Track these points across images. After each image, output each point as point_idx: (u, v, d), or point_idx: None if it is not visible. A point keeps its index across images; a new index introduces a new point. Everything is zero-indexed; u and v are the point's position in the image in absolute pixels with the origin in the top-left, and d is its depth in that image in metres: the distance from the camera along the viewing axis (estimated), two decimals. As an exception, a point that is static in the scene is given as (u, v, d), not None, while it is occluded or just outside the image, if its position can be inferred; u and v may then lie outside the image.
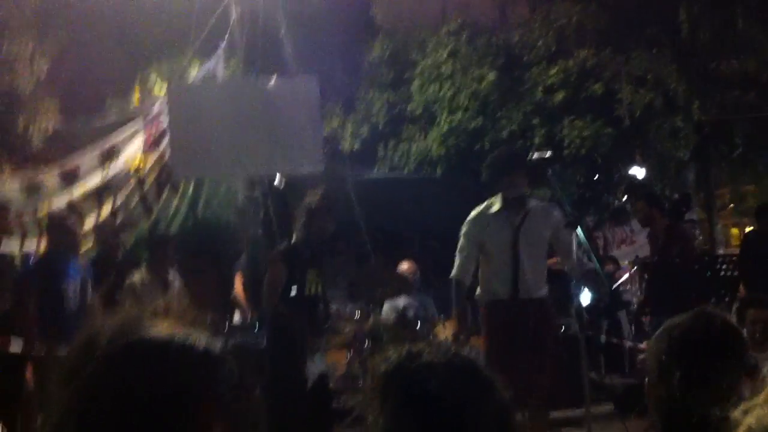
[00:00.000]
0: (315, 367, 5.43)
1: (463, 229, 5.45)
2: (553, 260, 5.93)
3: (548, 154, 5.11)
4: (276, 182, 5.85)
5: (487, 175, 5.52)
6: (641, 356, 8.64)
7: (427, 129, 11.33)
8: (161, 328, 1.73)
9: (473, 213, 5.45)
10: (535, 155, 5.03)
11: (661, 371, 1.87)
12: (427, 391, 1.61)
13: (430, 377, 1.62)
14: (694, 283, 7.26)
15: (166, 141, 8.95)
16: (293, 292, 5.33)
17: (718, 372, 1.86)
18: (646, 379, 1.97)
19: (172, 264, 7.63)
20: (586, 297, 8.22)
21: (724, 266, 7.62)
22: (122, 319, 1.75)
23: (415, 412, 1.60)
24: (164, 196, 9.34)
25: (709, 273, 7.27)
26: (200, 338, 1.21)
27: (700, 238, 11.73)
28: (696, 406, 1.80)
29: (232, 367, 1.19)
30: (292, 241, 5.66)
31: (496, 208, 5.33)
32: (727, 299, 6.92)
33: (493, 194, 5.44)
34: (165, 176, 9.16)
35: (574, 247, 5.21)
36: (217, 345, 1.20)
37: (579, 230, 4.65)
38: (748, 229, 14.40)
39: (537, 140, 10.49)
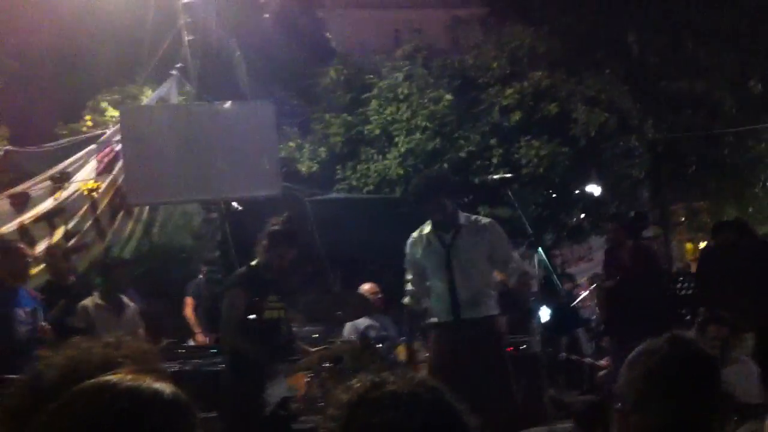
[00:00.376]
0: (276, 391, 5.32)
1: (406, 254, 5.42)
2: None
3: (507, 174, 5.08)
4: (234, 204, 5.78)
5: (412, 203, 5.45)
6: (601, 373, 8.68)
7: (385, 150, 11.32)
8: (111, 371, 1.65)
9: (410, 237, 5.42)
10: (494, 176, 5.00)
11: (638, 400, 1.85)
12: (390, 422, 1.56)
13: (393, 407, 1.56)
14: (656, 303, 7.31)
15: (119, 165, 8.83)
16: (252, 317, 5.21)
17: (701, 404, 1.85)
18: (618, 405, 1.94)
19: (126, 288, 7.50)
20: (545, 314, 8.26)
21: (684, 284, 7.68)
22: (67, 358, 1.67)
23: None
24: (118, 219, 9.21)
25: (669, 292, 7.32)
26: (162, 384, 1.14)
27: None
28: None
29: (195, 411, 1.13)
30: (252, 264, 5.56)
31: (427, 229, 5.30)
32: (688, 317, 6.97)
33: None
34: (119, 200, 9.02)
35: (514, 256, 5.18)
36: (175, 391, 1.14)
37: (540, 250, 4.63)
38: (702, 245, 14.65)
39: (495, 160, 10.55)
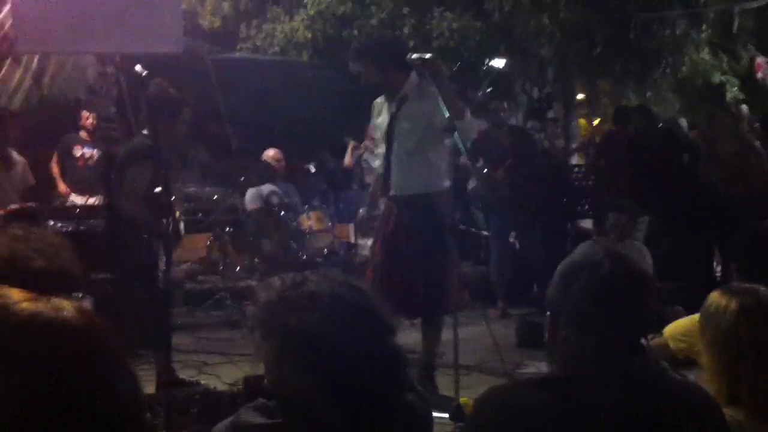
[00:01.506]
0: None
1: None
2: None
3: (428, 55, 4.88)
4: (137, 68, 5.42)
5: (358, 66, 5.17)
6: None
7: (293, 11, 10.88)
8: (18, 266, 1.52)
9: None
10: (414, 56, 4.79)
11: (575, 316, 1.84)
12: (309, 322, 1.53)
13: (311, 307, 1.54)
14: (551, 195, 7.42)
15: (5, 10, 8.19)
16: (158, 190, 4.93)
17: (637, 323, 1.86)
18: (550, 315, 1.93)
19: (14, 141, 7.11)
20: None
21: (579, 175, 7.80)
22: None
23: (295, 344, 1.54)
24: (5, 67, 8.65)
25: (565, 182, 7.43)
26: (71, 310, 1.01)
27: (559, 132, 12.04)
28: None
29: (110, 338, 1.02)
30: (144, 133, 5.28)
31: (381, 97, 5.15)
32: (586, 207, 7.13)
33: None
34: (6, 47, 8.42)
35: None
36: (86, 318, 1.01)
37: (456, 135, 4.53)
38: (596, 122, 14.96)
39: (406, 30, 10.30)
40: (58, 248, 1.60)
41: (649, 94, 13.66)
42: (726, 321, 2.17)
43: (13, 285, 1.49)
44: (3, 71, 8.51)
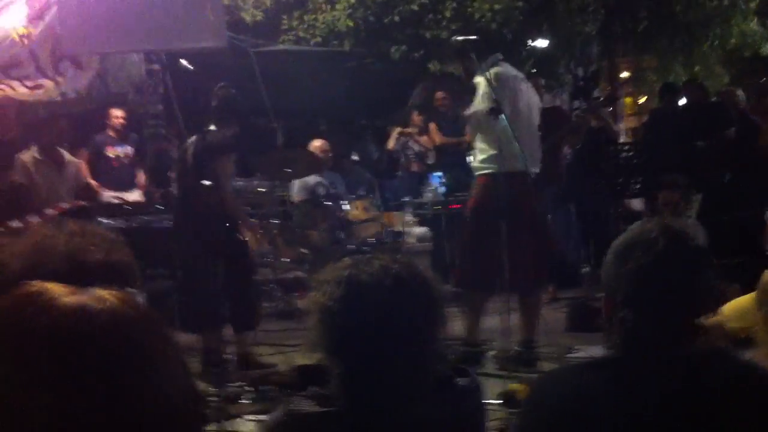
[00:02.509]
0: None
1: None
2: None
3: (471, 37, 4.90)
4: (183, 61, 5.53)
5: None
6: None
7: (333, 0, 10.89)
8: (79, 260, 1.55)
9: None
10: (460, 38, 4.81)
11: (630, 295, 1.81)
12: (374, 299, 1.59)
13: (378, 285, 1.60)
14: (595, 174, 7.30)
15: (52, 13, 8.32)
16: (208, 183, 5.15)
17: (695, 301, 1.82)
18: (606, 296, 1.91)
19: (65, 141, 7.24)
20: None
21: (630, 152, 7.63)
22: (30, 246, 1.56)
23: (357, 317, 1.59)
24: (68, 70, 8.76)
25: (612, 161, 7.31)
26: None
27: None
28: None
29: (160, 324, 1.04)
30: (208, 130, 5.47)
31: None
32: (637, 186, 7.02)
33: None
34: (59, 48, 8.54)
35: None
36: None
37: (502, 117, 4.53)
38: (642, 100, 14.72)
39: (447, 14, 10.25)
40: (114, 243, 1.63)
41: (697, 68, 13.41)
42: None
43: (73, 280, 1.53)
44: (69, 74, 8.62)
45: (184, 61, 5.63)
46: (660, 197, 5.89)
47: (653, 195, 6.05)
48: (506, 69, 5.17)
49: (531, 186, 5.08)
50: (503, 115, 4.61)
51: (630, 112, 14.66)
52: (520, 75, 5.37)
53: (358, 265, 1.65)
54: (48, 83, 8.38)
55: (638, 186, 6.90)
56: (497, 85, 4.89)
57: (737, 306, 3.05)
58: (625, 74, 14.28)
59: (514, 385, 4.27)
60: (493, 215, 5.00)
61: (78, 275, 1.52)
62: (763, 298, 2.21)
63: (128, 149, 8.63)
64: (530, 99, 5.28)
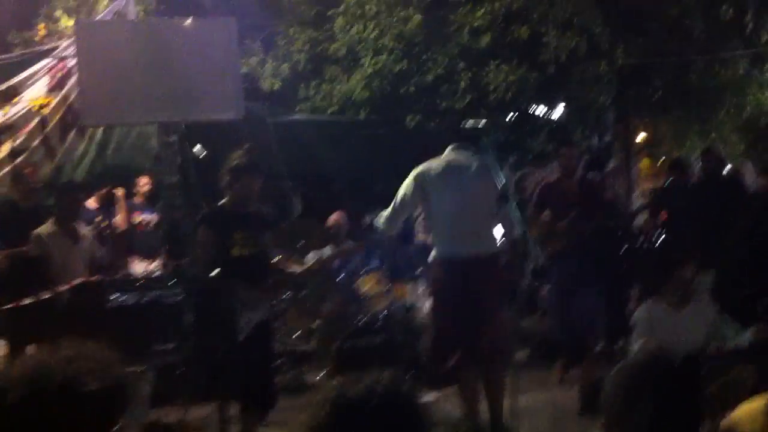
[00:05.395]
0: (251, 317, 5.27)
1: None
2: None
3: (482, 122, 5.02)
4: (196, 150, 5.64)
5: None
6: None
7: (350, 70, 11.04)
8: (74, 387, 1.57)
9: None
10: (470, 123, 4.93)
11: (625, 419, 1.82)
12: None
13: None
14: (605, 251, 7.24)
15: (71, 81, 8.50)
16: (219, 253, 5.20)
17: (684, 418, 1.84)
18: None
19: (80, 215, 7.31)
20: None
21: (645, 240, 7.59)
22: (26, 374, 1.58)
23: None
24: (69, 138, 8.90)
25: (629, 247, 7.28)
26: None
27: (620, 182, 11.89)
28: None
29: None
30: (219, 203, 5.52)
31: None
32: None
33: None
34: (70, 118, 8.71)
35: None
36: None
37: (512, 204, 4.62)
38: (660, 162, 14.67)
39: (463, 84, 10.35)
40: (110, 365, 1.67)
41: (713, 135, 13.41)
42: None
43: (69, 408, 1.56)
44: (68, 143, 8.78)
45: (198, 147, 5.75)
46: (672, 278, 5.84)
47: (664, 277, 5.98)
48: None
49: (481, 269, 5.13)
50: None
51: (646, 172, 14.64)
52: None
53: (345, 385, 1.67)
54: (45, 163, 8.56)
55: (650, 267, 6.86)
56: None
57: (750, 410, 2.99)
58: (641, 135, 14.30)
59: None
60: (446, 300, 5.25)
61: (74, 404, 1.55)
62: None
63: (154, 216, 8.76)
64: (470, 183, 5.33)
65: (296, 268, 6.37)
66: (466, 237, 5.18)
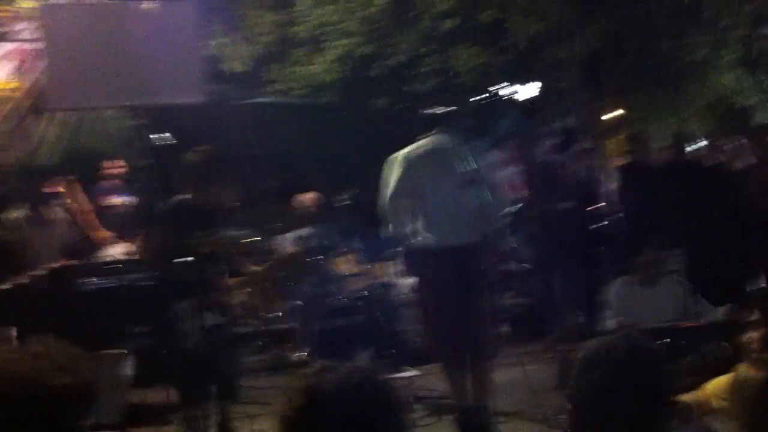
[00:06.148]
0: (206, 320, 5.13)
1: None
2: None
3: (449, 108, 5.12)
4: (163, 136, 5.59)
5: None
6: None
7: (315, 54, 11.00)
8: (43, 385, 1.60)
9: None
10: (437, 110, 5.02)
11: (593, 406, 1.92)
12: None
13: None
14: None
15: (38, 65, 8.38)
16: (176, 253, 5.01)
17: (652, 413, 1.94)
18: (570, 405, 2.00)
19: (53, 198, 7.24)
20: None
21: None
22: None
23: None
24: (42, 123, 8.82)
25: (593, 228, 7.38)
26: None
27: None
28: None
29: None
30: (179, 198, 5.31)
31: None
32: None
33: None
34: (42, 102, 8.59)
35: None
36: None
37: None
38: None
39: (429, 68, 10.38)
40: (79, 361, 1.70)
41: (680, 116, 13.60)
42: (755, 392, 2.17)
43: (39, 407, 1.59)
44: (41, 127, 8.67)
45: (168, 134, 5.72)
46: (639, 261, 5.98)
47: (633, 260, 6.11)
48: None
49: (471, 256, 5.12)
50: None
51: (617, 153, 14.76)
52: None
53: (320, 373, 1.67)
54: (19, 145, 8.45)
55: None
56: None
57: (722, 384, 3.06)
58: (608, 120, 14.41)
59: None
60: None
61: (46, 399, 1.58)
62: (735, 393, 2.25)
63: (132, 198, 8.71)
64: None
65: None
66: (456, 224, 5.11)
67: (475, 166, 5.15)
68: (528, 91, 11.32)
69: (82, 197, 8.54)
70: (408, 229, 5.25)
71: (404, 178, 5.16)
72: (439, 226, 5.13)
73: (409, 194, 5.19)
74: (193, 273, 5.02)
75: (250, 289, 7.56)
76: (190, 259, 4.94)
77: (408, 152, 5.25)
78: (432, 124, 5.38)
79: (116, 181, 8.84)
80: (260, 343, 7.56)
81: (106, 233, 8.44)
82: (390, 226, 5.34)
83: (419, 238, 5.25)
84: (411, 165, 5.17)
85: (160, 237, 5.18)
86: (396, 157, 5.26)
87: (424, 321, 5.57)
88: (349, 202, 9.09)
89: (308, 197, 8.23)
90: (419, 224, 5.16)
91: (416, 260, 5.61)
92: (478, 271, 5.09)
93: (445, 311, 5.12)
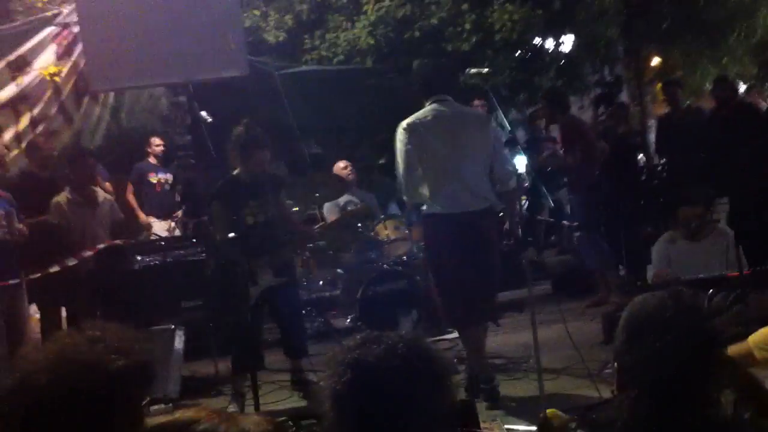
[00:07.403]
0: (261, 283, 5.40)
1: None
2: None
3: (485, 70, 4.92)
4: (204, 113, 5.68)
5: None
6: (577, 234, 8.71)
7: (354, 18, 10.93)
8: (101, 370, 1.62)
9: None
10: (473, 71, 4.83)
11: (640, 372, 1.86)
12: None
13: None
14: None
15: (79, 49, 8.50)
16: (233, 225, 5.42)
17: (701, 374, 1.86)
18: (616, 365, 1.95)
19: (97, 180, 7.39)
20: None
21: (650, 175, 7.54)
22: (52, 357, 1.63)
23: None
24: (84, 104, 8.96)
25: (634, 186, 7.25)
26: None
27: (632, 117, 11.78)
28: None
29: None
30: (232, 174, 5.69)
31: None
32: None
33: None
34: (82, 84, 8.74)
35: None
36: None
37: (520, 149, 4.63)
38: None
39: (467, 26, 10.25)
40: (134, 342, 1.70)
41: (725, 60, 13.25)
42: None
43: (99, 389, 1.60)
44: (83, 109, 8.83)
45: (204, 113, 5.80)
46: (681, 213, 5.85)
47: (675, 216, 5.99)
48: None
49: (472, 222, 5.03)
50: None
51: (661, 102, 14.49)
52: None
53: (365, 345, 1.69)
54: (64, 130, 8.63)
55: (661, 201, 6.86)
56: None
57: (762, 336, 3.02)
58: (650, 69, 14.11)
59: (552, 411, 4.23)
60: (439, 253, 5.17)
61: (106, 383, 1.60)
62: None
63: (169, 176, 8.88)
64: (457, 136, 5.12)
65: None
66: (457, 191, 5.02)
67: (484, 131, 5.08)
68: (570, 43, 11.13)
69: (129, 189, 8.77)
70: (416, 195, 5.20)
71: (407, 144, 5.05)
72: (439, 192, 5.05)
73: (413, 161, 5.08)
74: (253, 242, 5.35)
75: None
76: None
77: (410, 118, 5.15)
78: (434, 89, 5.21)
79: (157, 160, 9.00)
80: (306, 310, 7.66)
81: (144, 216, 8.68)
82: (403, 192, 5.32)
83: (424, 207, 5.24)
84: (408, 128, 5.07)
85: (221, 211, 5.55)
86: (401, 125, 5.19)
87: (434, 287, 5.58)
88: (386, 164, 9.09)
89: (341, 166, 8.27)
90: (423, 190, 5.08)
91: (421, 226, 5.61)
92: (481, 238, 5.01)
93: (443, 278, 5.13)
